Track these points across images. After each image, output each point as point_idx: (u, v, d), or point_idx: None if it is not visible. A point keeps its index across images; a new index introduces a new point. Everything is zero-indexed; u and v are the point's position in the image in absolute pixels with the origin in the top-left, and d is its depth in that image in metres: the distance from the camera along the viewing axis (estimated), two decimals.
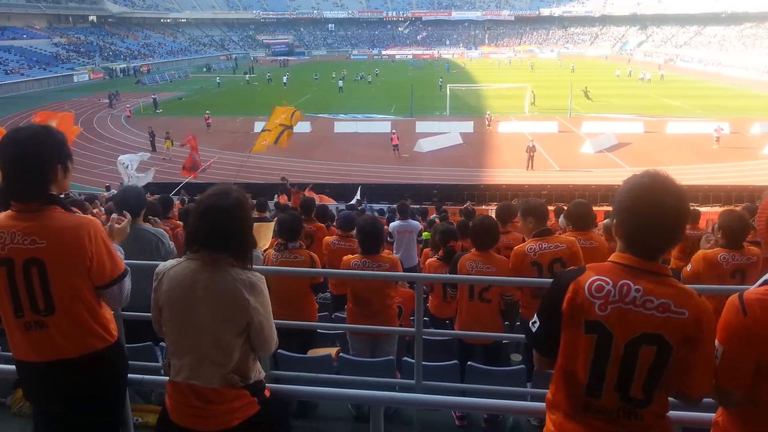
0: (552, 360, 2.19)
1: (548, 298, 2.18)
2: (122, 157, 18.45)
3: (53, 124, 12.11)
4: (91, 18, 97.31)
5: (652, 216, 1.98)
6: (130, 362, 3.02)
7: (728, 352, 1.96)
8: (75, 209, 2.99)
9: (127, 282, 2.83)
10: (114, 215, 3.32)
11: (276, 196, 16.14)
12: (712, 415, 2.24)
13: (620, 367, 2.02)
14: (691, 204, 2.18)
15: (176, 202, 12.80)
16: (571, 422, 2.11)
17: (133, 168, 17.99)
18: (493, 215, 6.16)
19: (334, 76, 65.99)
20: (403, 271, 5.82)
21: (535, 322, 2.23)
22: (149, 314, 2.68)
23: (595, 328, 2.02)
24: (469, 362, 4.50)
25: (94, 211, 9.52)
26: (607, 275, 2.04)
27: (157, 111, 45.26)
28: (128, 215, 3.37)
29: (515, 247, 4.99)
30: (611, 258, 2.12)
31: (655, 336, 1.97)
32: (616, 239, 2.16)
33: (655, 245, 2.03)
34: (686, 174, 25.50)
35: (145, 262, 4.66)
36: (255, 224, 3.39)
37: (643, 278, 2.00)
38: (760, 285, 1.99)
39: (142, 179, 17.84)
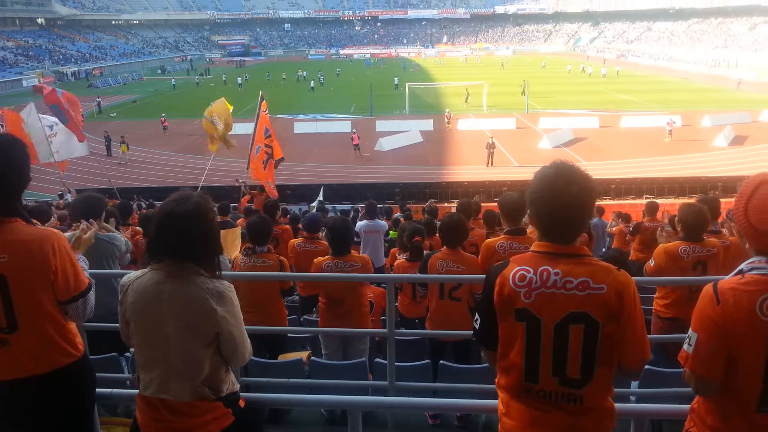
0: (495, 352, 2.29)
1: (483, 295, 2.31)
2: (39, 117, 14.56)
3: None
4: (39, 20, 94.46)
5: (559, 204, 2.09)
6: (96, 375, 2.94)
7: (702, 340, 2.00)
8: (35, 221, 2.88)
9: (92, 296, 2.73)
10: (84, 224, 3.22)
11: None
12: (686, 407, 2.29)
13: (553, 350, 2.11)
14: (599, 194, 2.25)
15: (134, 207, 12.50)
16: (516, 402, 2.22)
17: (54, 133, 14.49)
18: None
19: (284, 77, 65.71)
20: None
21: (477, 319, 2.34)
22: (108, 324, 2.60)
23: (524, 316, 2.13)
24: (441, 361, 4.51)
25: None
26: (528, 264, 2.16)
27: (111, 115, 44.22)
28: (94, 224, 3.27)
29: (487, 240, 5.02)
30: (532, 248, 2.23)
31: (581, 314, 2.07)
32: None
33: (565, 230, 2.14)
34: (641, 167, 26.14)
35: (101, 271, 4.56)
36: (222, 231, 3.31)
37: (561, 262, 2.12)
38: (735, 275, 2.03)
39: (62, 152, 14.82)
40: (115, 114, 44.81)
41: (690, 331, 2.05)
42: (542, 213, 2.15)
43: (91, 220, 3.27)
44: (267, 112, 15.13)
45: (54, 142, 14.51)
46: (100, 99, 47.50)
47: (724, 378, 2.01)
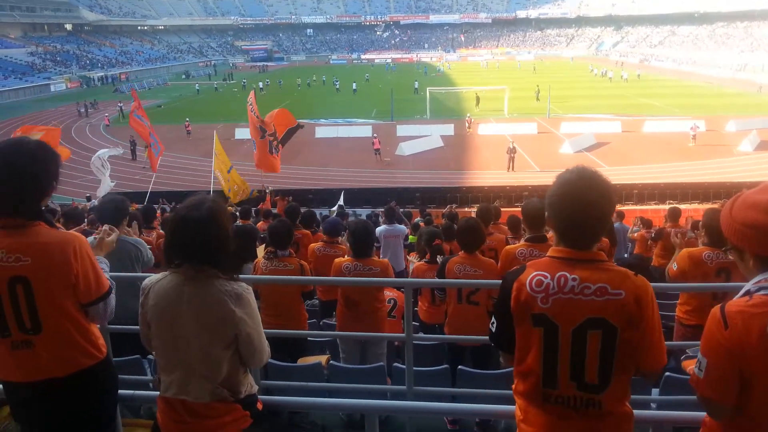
0: (513, 355, 2.28)
1: (499, 299, 2.29)
2: (95, 156, 17.83)
3: (38, 137, 11.97)
4: (67, 26, 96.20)
5: (577, 210, 2.09)
6: (118, 376, 2.98)
7: (712, 364, 1.94)
8: (59, 224, 2.94)
9: (112, 299, 2.78)
10: (106, 226, 3.27)
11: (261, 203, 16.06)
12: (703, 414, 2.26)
13: (571, 356, 2.10)
14: (617, 200, 2.26)
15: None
16: (534, 408, 2.20)
17: (107, 166, 17.46)
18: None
19: (299, 83, 66.23)
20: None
21: (493, 323, 2.33)
22: (131, 327, 2.64)
23: (541, 321, 2.12)
24: (459, 366, 4.50)
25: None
26: (546, 269, 2.15)
27: (122, 120, 44.78)
28: (116, 229, 3.33)
29: (507, 247, 5.01)
30: (549, 253, 2.22)
31: (599, 320, 2.06)
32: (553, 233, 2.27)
33: (582, 235, 2.14)
34: (664, 172, 25.83)
35: (124, 275, 4.62)
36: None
37: (578, 267, 2.11)
38: (742, 296, 1.96)
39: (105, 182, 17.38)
40: (123, 119, 45.37)
41: (699, 355, 2.00)
42: (560, 217, 2.15)
43: (108, 225, 3.31)
44: (251, 106, 15.60)
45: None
46: (121, 104, 48.16)
47: (737, 400, 1.95)
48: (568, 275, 2.11)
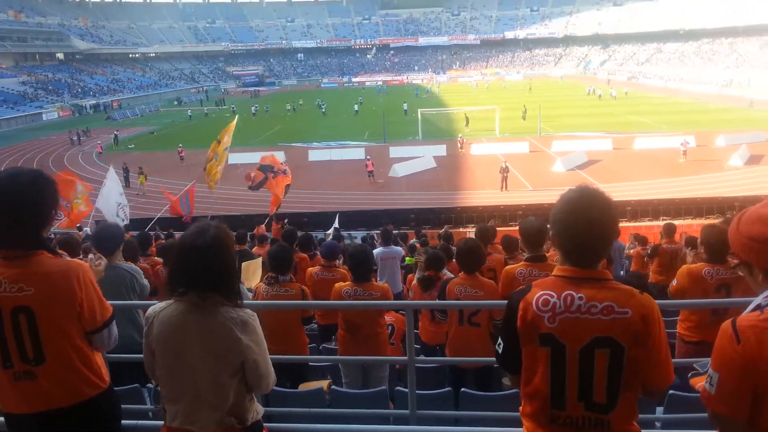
0: (520, 377, 2.28)
1: (505, 320, 2.28)
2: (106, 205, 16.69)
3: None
4: (58, 55, 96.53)
5: (580, 227, 2.11)
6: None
7: (724, 380, 1.92)
8: (61, 251, 2.93)
9: (115, 324, 2.77)
10: (91, 255, 3.27)
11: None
12: None
13: (579, 376, 2.10)
14: (620, 218, 2.38)
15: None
16: (542, 431, 2.19)
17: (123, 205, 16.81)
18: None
19: (288, 108, 66.63)
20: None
21: (499, 344, 2.32)
22: (130, 355, 2.62)
23: (548, 341, 2.12)
24: (462, 389, 4.47)
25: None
26: (552, 289, 2.16)
27: (130, 146, 44.86)
28: (103, 257, 3.32)
29: (507, 267, 5.00)
30: (554, 272, 2.23)
31: (606, 339, 2.06)
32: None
33: (586, 254, 2.15)
34: (656, 188, 25.99)
35: (120, 302, 4.59)
36: (243, 263, 3.34)
37: (584, 286, 2.12)
38: (752, 310, 1.96)
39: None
40: (133, 145, 45.44)
41: (710, 370, 1.97)
42: (564, 236, 2.17)
43: (94, 253, 3.30)
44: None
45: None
46: (117, 132, 48.26)
47: (750, 415, 1.93)
48: (574, 294, 2.11)
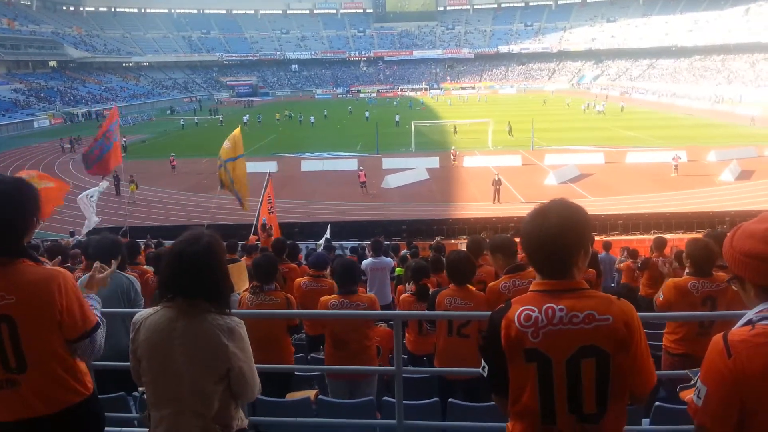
0: (507, 399, 2.26)
1: (488, 340, 2.27)
2: (83, 194, 17.59)
3: (50, 185, 11.92)
4: (51, 63, 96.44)
5: (544, 239, 2.13)
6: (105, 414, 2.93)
7: (712, 394, 1.91)
8: (43, 259, 2.91)
9: (100, 334, 2.74)
10: (97, 264, 3.25)
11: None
12: None
13: (567, 388, 2.10)
14: (592, 229, 2.31)
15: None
16: None
17: (94, 204, 17.30)
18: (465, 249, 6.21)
19: (278, 118, 67.10)
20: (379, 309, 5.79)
21: (484, 367, 2.29)
22: (117, 363, 2.61)
23: (533, 356, 2.11)
24: (450, 399, 4.46)
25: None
26: (532, 303, 2.16)
27: (123, 154, 44.64)
28: (107, 267, 3.30)
29: (490, 284, 5.00)
30: (531, 287, 2.24)
31: (591, 347, 2.07)
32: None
33: (556, 265, 2.16)
34: (647, 202, 26.12)
35: (113, 310, 4.55)
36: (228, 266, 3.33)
37: (563, 297, 2.13)
38: (744, 324, 1.95)
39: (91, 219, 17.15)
40: (124, 154, 45.25)
41: (699, 382, 1.97)
42: (532, 248, 2.19)
43: (98, 263, 3.28)
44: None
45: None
46: (125, 139, 47.96)
47: (737, 430, 1.91)
48: (555, 306, 2.12)
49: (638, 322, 2.12)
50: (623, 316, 2.09)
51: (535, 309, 2.13)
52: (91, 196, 17.09)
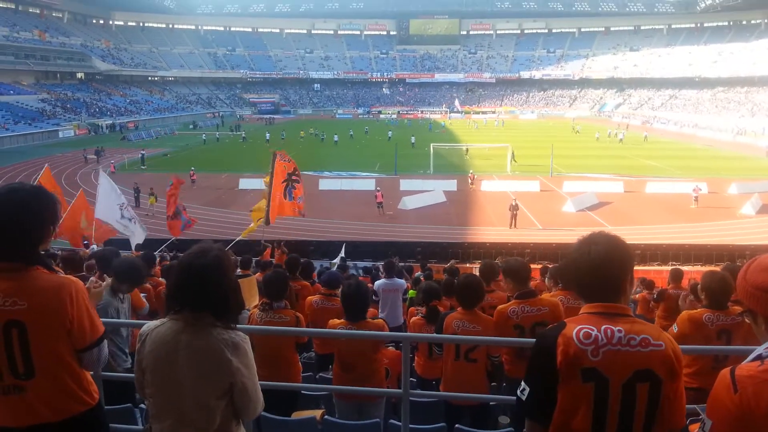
0: (546, 427, 2.18)
1: (537, 361, 2.21)
2: (110, 218, 16.32)
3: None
4: (79, 75, 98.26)
5: (588, 264, 2.19)
6: (109, 425, 2.94)
7: (716, 428, 1.88)
8: (57, 268, 2.95)
9: (106, 344, 2.78)
10: (92, 278, 3.30)
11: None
12: None
13: (620, 413, 2.08)
14: (634, 260, 2.38)
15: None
16: None
17: (129, 216, 16.38)
18: (477, 274, 6.16)
19: (302, 135, 67.88)
20: (389, 331, 5.76)
21: (524, 390, 2.22)
22: (125, 374, 2.61)
23: (591, 376, 2.09)
24: (456, 425, 4.41)
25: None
26: (589, 323, 2.15)
27: (142, 167, 45.25)
28: (105, 279, 3.35)
29: (498, 307, 4.96)
30: (583, 310, 2.24)
31: (646, 372, 2.07)
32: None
33: (607, 289, 2.19)
34: (666, 233, 25.85)
35: (131, 321, 4.58)
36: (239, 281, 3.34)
37: (619, 320, 2.14)
38: (753, 359, 1.92)
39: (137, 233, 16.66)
40: (145, 167, 45.84)
41: (704, 416, 1.94)
42: (578, 274, 2.23)
43: (95, 277, 3.33)
44: (287, 162, 15.68)
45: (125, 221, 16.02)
46: (144, 152, 48.66)
47: None
48: (613, 327, 2.12)
49: (681, 354, 2.14)
50: (672, 345, 2.12)
51: (594, 328, 2.12)
52: (123, 215, 16.15)
